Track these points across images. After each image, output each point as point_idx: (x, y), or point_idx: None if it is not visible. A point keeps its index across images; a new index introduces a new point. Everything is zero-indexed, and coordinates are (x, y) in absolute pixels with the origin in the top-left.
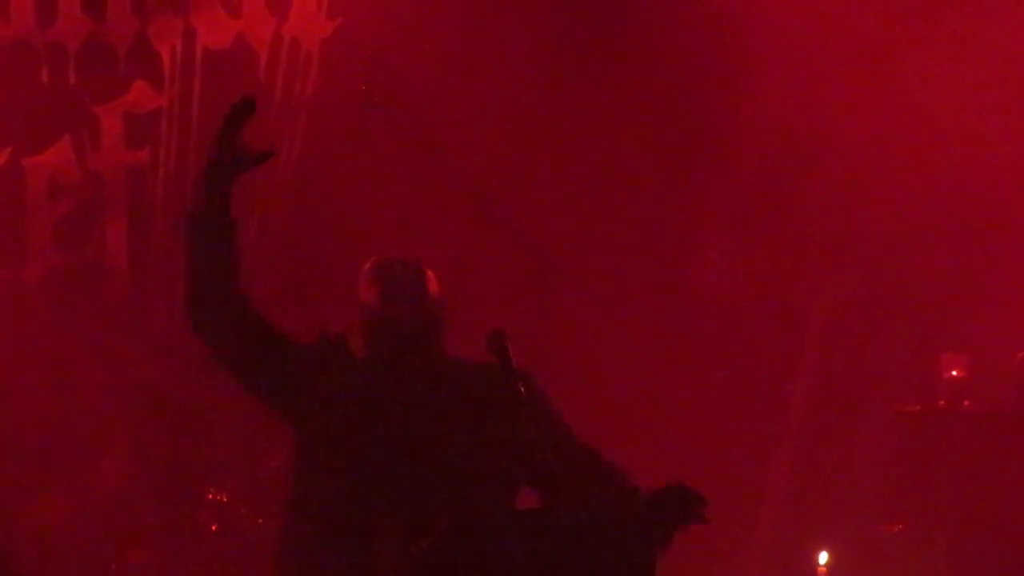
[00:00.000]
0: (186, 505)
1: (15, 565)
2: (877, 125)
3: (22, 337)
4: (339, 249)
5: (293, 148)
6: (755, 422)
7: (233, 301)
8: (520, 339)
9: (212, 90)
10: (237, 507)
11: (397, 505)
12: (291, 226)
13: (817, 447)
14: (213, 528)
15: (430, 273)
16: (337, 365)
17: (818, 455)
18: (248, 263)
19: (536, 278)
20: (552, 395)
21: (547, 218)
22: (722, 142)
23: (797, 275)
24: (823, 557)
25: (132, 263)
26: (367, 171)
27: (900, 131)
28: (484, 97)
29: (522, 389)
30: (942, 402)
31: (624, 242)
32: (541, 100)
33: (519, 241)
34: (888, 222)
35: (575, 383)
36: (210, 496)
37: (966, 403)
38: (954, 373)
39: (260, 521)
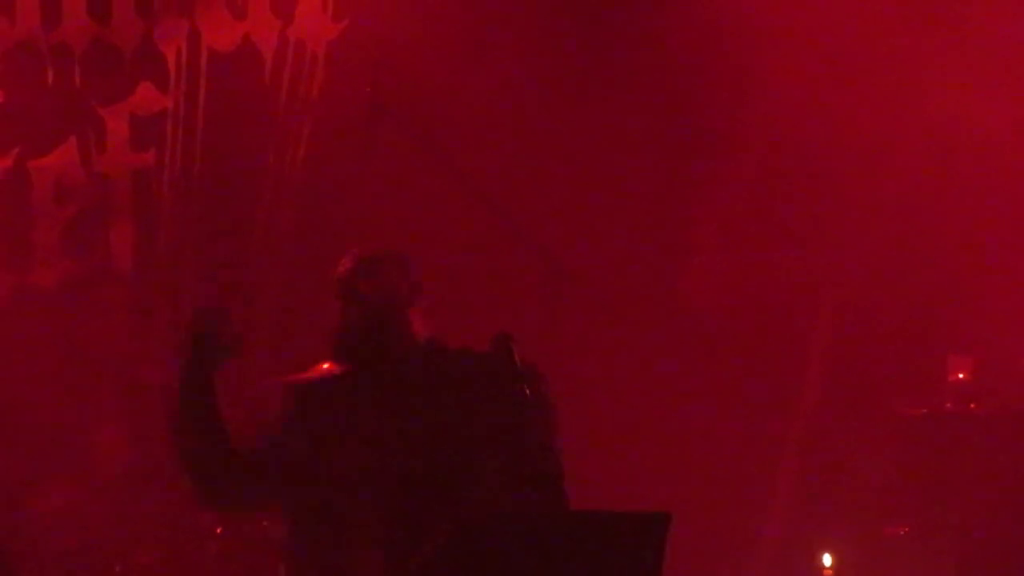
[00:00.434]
0: (191, 507)
1: (18, 564)
2: (881, 127)
3: (27, 341)
4: (343, 251)
5: (298, 151)
6: (760, 425)
7: (233, 473)
8: (526, 343)
9: (218, 92)
10: None
11: (396, 507)
12: (296, 229)
13: (822, 450)
14: (218, 530)
15: (378, 263)
16: (323, 392)
17: (823, 458)
18: (253, 267)
19: (543, 282)
20: (559, 398)
21: (554, 222)
22: (730, 145)
23: (802, 277)
24: (827, 559)
25: (138, 265)
26: (373, 174)
27: (905, 133)
28: (492, 100)
29: (527, 391)
30: (948, 405)
31: (631, 247)
32: (549, 103)
33: (526, 245)
34: (893, 224)
35: (581, 386)
36: None
37: (972, 405)
38: (960, 376)
39: (265, 523)
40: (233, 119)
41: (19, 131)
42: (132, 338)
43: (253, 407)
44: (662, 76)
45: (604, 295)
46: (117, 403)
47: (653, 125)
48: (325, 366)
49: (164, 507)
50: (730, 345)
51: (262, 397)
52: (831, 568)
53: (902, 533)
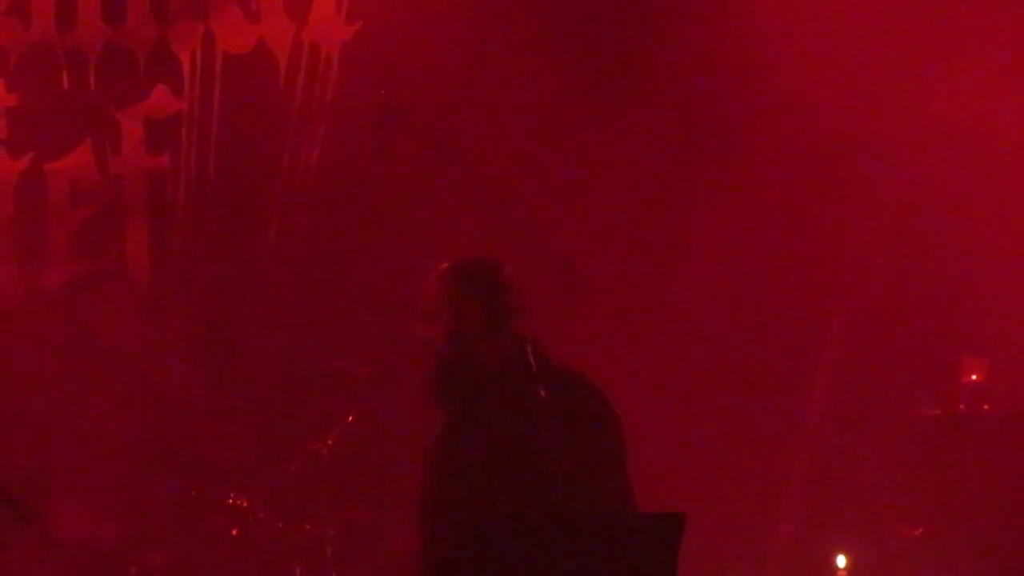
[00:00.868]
0: (206, 509)
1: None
2: (897, 131)
3: (42, 341)
4: (358, 254)
5: (312, 153)
6: (775, 427)
7: None
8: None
9: (232, 95)
10: (257, 512)
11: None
12: (310, 231)
13: (837, 451)
14: (233, 532)
15: (459, 276)
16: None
17: (838, 459)
18: (267, 268)
19: (555, 285)
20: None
21: (566, 224)
22: (742, 149)
23: (817, 279)
24: (841, 560)
25: (152, 267)
26: (386, 176)
27: (920, 136)
28: (504, 102)
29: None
30: (962, 406)
31: (643, 250)
32: (562, 105)
33: (538, 246)
34: (908, 226)
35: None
36: (230, 501)
37: (986, 407)
38: (974, 377)
39: (280, 525)
40: (247, 121)
41: (34, 134)
42: (146, 339)
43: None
44: (674, 78)
45: (616, 298)
46: (130, 403)
47: (664, 127)
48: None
49: (177, 508)
50: (744, 348)
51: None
52: (845, 569)
53: (916, 534)
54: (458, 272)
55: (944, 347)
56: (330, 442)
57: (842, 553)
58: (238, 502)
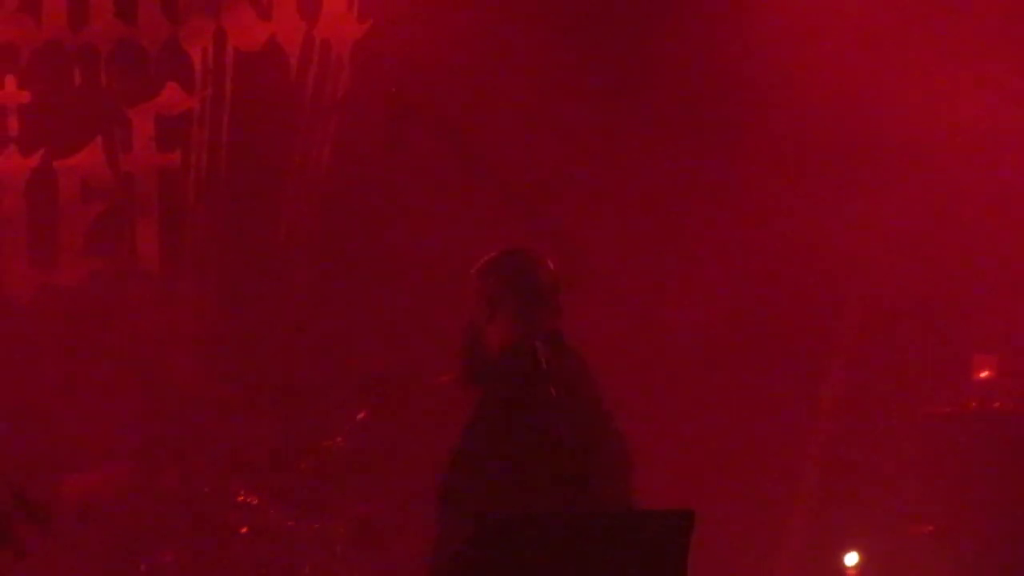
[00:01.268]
0: (216, 506)
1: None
2: (913, 128)
3: (54, 339)
4: (369, 251)
5: (324, 150)
6: (785, 424)
7: None
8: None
9: (243, 92)
10: (267, 509)
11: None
12: (322, 228)
13: (847, 449)
14: (243, 530)
15: (479, 269)
16: None
17: (848, 457)
18: (278, 265)
19: (570, 280)
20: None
21: (581, 219)
22: (761, 143)
23: (828, 277)
24: (852, 558)
25: (164, 265)
26: (398, 173)
27: (928, 137)
28: (517, 97)
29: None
30: (973, 404)
31: (659, 243)
32: (576, 100)
33: (552, 242)
34: (919, 223)
35: (606, 387)
36: (241, 498)
37: (997, 404)
38: (984, 374)
39: (290, 523)
40: (259, 119)
41: (45, 131)
42: (157, 336)
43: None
44: (687, 74)
45: (626, 292)
46: (140, 400)
47: (677, 123)
48: None
49: (189, 505)
50: (754, 345)
51: None
52: (855, 567)
53: (927, 532)
54: (481, 263)
55: (955, 344)
56: (340, 439)
57: (852, 551)
58: (249, 499)
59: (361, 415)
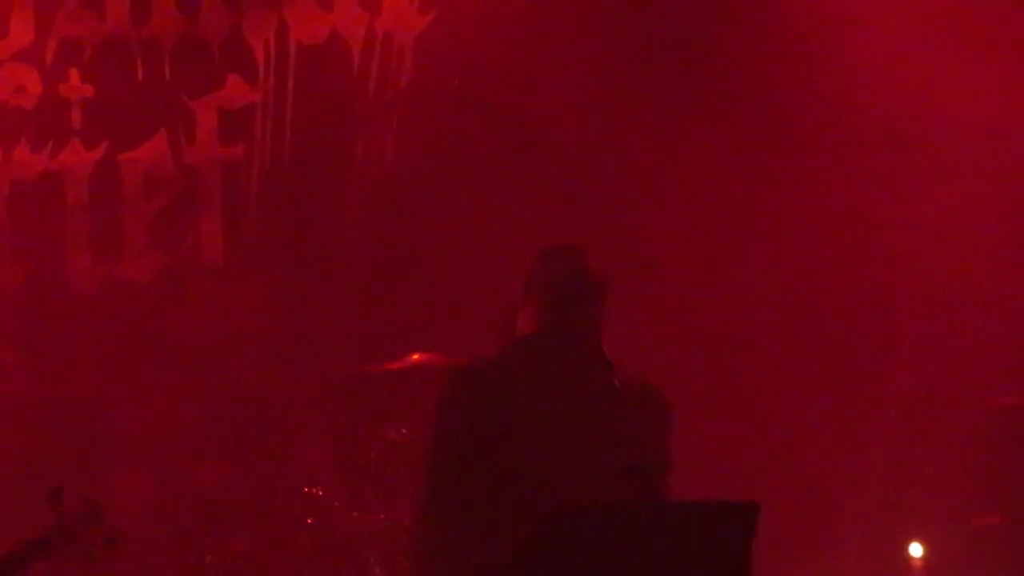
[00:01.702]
0: (282, 498)
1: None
2: (981, 125)
3: (118, 332)
4: (430, 241)
5: (386, 142)
6: (852, 416)
7: None
8: (615, 331)
9: (306, 84)
10: (333, 500)
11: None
12: (383, 219)
13: (915, 440)
14: (308, 521)
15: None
16: None
17: (915, 448)
18: (339, 256)
19: (628, 272)
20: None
21: (636, 212)
22: (825, 140)
23: (891, 270)
24: (917, 549)
25: (227, 257)
26: (459, 164)
27: (986, 130)
28: (577, 90)
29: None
30: None
31: (718, 236)
32: (635, 93)
33: (610, 233)
34: (983, 217)
35: (669, 379)
36: (306, 489)
37: None
38: None
39: (355, 515)
40: (321, 111)
41: (109, 124)
42: (221, 329)
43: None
44: (745, 67)
45: (688, 284)
46: (206, 393)
47: (740, 118)
48: None
49: (255, 496)
50: (822, 337)
51: None
52: (921, 558)
53: (993, 523)
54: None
55: (1020, 336)
56: (404, 430)
57: (918, 542)
58: (314, 491)
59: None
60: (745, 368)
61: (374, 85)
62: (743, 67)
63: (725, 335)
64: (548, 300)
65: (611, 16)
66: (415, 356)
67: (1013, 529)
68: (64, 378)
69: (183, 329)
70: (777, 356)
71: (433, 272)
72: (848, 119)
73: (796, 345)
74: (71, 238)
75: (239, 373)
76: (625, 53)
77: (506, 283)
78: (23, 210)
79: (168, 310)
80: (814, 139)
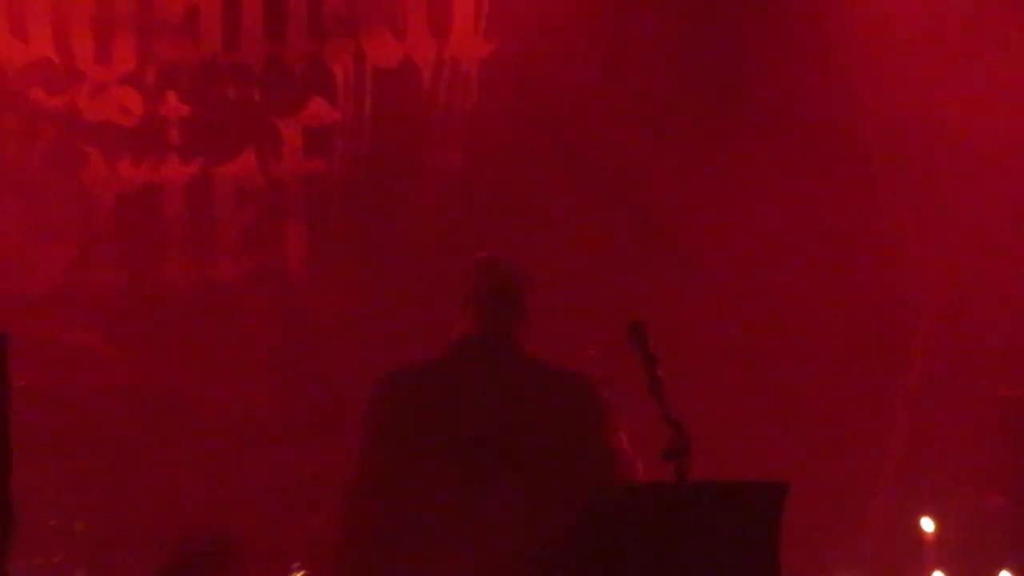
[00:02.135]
0: None
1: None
2: (984, 137)
3: (211, 330)
4: (492, 245)
5: (454, 156)
6: (872, 405)
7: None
8: (657, 329)
9: (381, 105)
10: None
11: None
12: (451, 225)
13: (929, 428)
14: None
15: None
16: None
17: (930, 435)
18: (413, 261)
19: (675, 283)
20: (680, 380)
21: (688, 226)
22: (841, 152)
23: (909, 274)
24: (929, 525)
25: (311, 266)
26: (519, 176)
27: (994, 146)
28: (626, 110)
29: (659, 375)
30: None
31: (757, 243)
32: (687, 115)
33: (658, 244)
34: (987, 230)
35: (702, 370)
36: None
37: None
38: None
39: None
40: (395, 129)
41: (204, 141)
42: (304, 326)
43: None
44: (779, 90)
45: (727, 290)
46: (290, 386)
47: (785, 129)
48: None
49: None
50: (840, 335)
51: None
52: (932, 533)
53: (996, 503)
54: None
55: (1021, 337)
56: None
57: (929, 518)
58: None
59: None
60: (778, 363)
61: (442, 105)
62: (784, 88)
63: (761, 334)
64: (473, 306)
65: (664, 42)
66: None
67: (1014, 508)
68: (160, 371)
69: (270, 327)
70: (807, 353)
71: None
72: (878, 125)
73: (825, 344)
74: (169, 244)
75: (321, 369)
76: (678, 73)
77: (556, 284)
78: (126, 219)
79: (256, 310)
80: (850, 150)
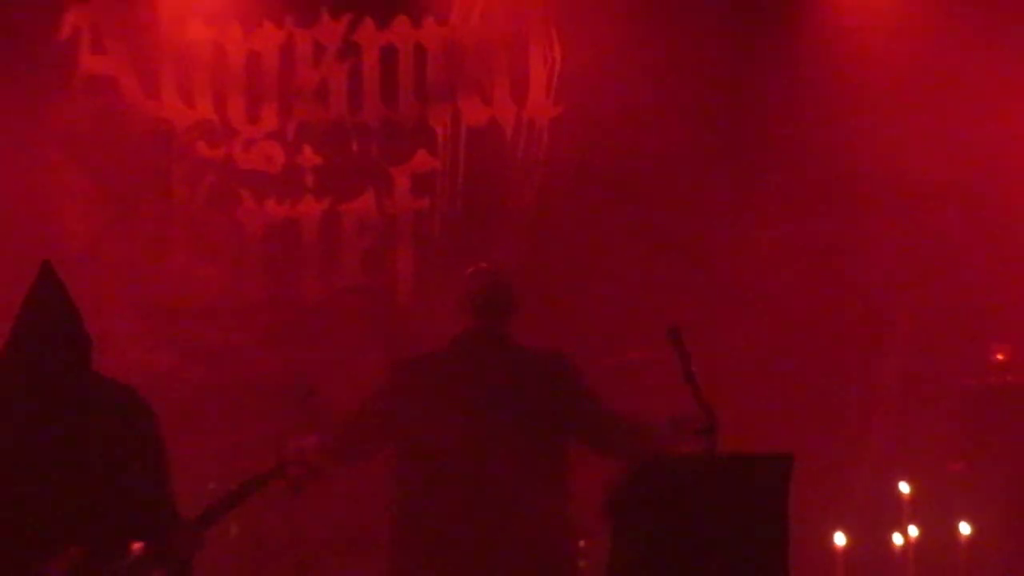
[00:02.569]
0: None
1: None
2: (937, 173)
3: (338, 333)
4: (565, 274)
5: (530, 198)
6: (860, 393)
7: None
8: (690, 334)
9: (472, 156)
10: None
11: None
12: (527, 254)
13: (903, 408)
14: None
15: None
16: None
17: (904, 414)
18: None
19: (705, 289)
20: (707, 372)
21: (714, 241)
22: (842, 178)
23: (890, 281)
24: (906, 487)
25: (416, 283)
26: (582, 216)
27: (956, 177)
28: (680, 155)
29: (692, 369)
30: (992, 378)
31: (769, 258)
32: (738, 169)
33: (694, 261)
34: (952, 246)
35: (724, 362)
36: None
37: (1009, 378)
38: (1000, 357)
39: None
40: (483, 175)
41: (332, 184)
42: (411, 334)
43: None
44: (791, 142)
45: (750, 305)
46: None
47: (790, 178)
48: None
49: None
50: (832, 333)
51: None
52: (908, 494)
53: (961, 468)
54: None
55: (979, 335)
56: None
57: (905, 482)
58: None
59: None
60: (784, 356)
61: (521, 156)
62: (794, 139)
63: (771, 332)
64: (469, 308)
65: (718, 105)
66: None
67: (973, 472)
68: (297, 367)
69: (384, 334)
70: (812, 350)
71: (567, 299)
72: (872, 173)
73: (820, 340)
74: (304, 266)
75: None
76: (711, 130)
77: (612, 298)
78: (271, 246)
79: (373, 319)
80: (851, 189)
